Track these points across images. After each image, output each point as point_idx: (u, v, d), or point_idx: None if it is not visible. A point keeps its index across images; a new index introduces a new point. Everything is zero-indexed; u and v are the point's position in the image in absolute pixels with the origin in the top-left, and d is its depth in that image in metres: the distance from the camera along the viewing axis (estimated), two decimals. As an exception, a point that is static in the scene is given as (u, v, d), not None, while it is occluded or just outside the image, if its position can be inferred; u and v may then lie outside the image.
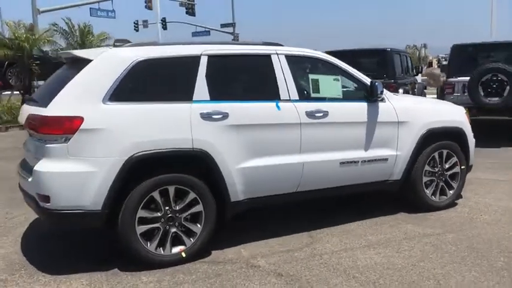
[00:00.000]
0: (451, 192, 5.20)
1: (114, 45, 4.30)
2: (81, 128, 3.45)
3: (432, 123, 4.93)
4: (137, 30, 39.29)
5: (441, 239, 4.30)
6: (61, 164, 3.45)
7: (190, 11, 39.45)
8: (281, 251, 4.10)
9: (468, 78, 8.91)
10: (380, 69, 9.94)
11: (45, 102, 3.63)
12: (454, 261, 3.81)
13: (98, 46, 15.23)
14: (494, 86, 8.69)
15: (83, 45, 15.73)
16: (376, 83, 4.52)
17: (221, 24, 42.62)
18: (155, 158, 3.63)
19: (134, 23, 39.08)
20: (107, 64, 3.69)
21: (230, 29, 41.44)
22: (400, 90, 9.83)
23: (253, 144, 4.00)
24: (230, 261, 3.89)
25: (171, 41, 4.38)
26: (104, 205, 3.52)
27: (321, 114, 4.30)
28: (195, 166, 3.82)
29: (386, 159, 4.72)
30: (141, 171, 3.60)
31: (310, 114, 4.24)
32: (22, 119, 3.91)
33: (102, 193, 3.50)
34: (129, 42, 4.38)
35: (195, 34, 41.50)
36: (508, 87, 8.61)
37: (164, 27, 39.30)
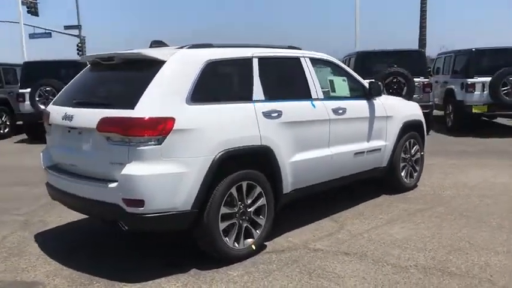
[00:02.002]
0: (415, 174, 6.18)
1: (151, 47, 4.26)
2: (173, 128, 3.43)
3: (406, 117, 5.84)
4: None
5: (437, 211, 5.17)
6: (155, 166, 3.38)
7: (33, 10, 36.25)
8: (324, 235, 4.51)
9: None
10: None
11: (119, 103, 3.50)
12: (463, 226, 4.67)
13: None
14: (395, 87, 10.23)
15: None
16: (379, 83, 5.23)
17: (65, 26, 39.96)
18: (235, 155, 3.75)
19: None
20: (184, 65, 3.69)
21: (75, 31, 39.04)
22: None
23: (299, 140, 4.34)
24: (291, 249, 4.17)
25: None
26: (194, 205, 3.54)
27: (341, 111, 4.83)
28: (260, 162, 4.02)
29: (380, 149, 5.46)
30: (224, 168, 3.70)
31: (335, 111, 4.74)
32: (79, 123, 3.67)
33: (193, 192, 3.52)
34: (164, 44, 4.35)
35: (33, 36, 38.31)
36: (405, 88, 10.22)
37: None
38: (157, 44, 4.28)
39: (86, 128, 3.64)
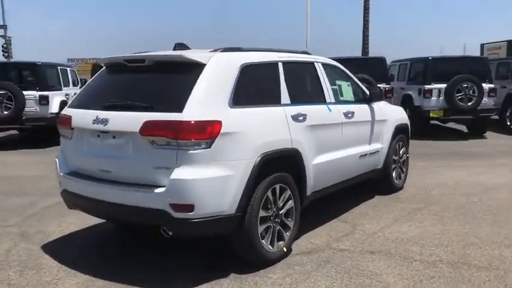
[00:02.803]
0: (402, 175, 6.49)
1: (175, 49, 4.19)
2: (221, 132, 3.40)
3: (397, 120, 6.14)
4: None
5: (433, 210, 5.46)
6: (205, 170, 3.33)
7: (-45, 9, 33.90)
8: (342, 235, 4.63)
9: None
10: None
11: (164, 107, 3.43)
12: (464, 222, 4.97)
13: None
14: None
15: None
16: (380, 88, 5.46)
17: (-12, 26, 37.50)
18: (273, 158, 3.78)
19: None
20: (224, 68, 3.67)
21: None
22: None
23: (319, 143, 4.44)
24: (317, 250, 4.25)
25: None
26: (238, 208, 3.53)
27: (350, 114, 5.00)
28: (289, 164, 4.07)
29: (378, 152, 5.69)
30: (263, 171, 3.70)
31: (345, 115, 4.90)
32: (116, 127, 3.53)
33: (238, 196, 3.51)
34: (187, 46, 4.29)
35: None
36: (369, 93, 10.66)
37: None
38: (181, 46, 4.21)
39: (125, 132, 3.51)
